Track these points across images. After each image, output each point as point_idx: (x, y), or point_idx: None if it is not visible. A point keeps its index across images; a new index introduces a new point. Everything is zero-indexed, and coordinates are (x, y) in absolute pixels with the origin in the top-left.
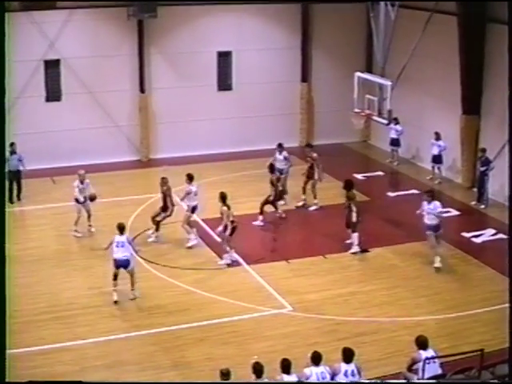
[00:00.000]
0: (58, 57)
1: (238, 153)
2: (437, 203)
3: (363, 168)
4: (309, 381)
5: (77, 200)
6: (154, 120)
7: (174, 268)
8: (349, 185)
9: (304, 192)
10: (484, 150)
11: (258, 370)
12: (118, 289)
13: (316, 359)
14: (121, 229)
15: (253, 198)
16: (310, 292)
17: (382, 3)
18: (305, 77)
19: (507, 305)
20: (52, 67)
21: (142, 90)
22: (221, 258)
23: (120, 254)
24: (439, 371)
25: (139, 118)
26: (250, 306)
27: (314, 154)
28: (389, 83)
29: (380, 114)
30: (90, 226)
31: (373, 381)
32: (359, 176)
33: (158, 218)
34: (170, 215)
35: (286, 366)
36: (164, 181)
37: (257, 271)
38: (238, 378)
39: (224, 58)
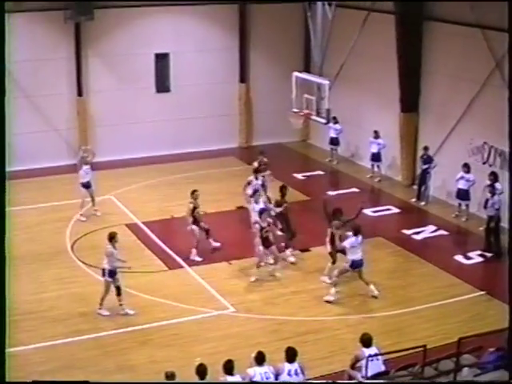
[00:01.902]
0: None
1: (178, 154)
2: (351, 239)
3: (303, 167)
4: (253, 381)
5: (82, 184)
6: (92, 123)
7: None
8: (337, 212)
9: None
10: (426, 148)
11: (201, 371)
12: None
13: (259, 359)
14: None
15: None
16: (252, 292)
17: (319, 3)
18: (243, 77)
19: (449, 300)
20: None
21: (80, 94)
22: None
23: None
24: (382, 368)
25: (77, 122)
26: (192, 308)
27: (265, 159)
28: (327, 82)
29: (318, 114)
30: (95, 210)
31: (322, 381)
32: (299, 175)
33: (206, 226)
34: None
35: (228, 368)
36: (195, 195)
37: (198, 273)
38: (182, 380)
39: (161, 59)
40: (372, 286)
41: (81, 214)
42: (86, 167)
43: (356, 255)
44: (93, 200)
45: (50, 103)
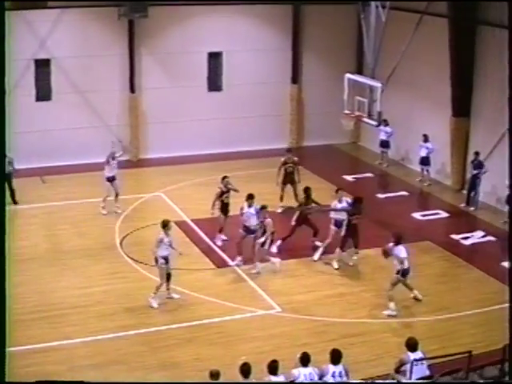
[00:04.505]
0: (49, 56)
1: (228, 153)
2: (400, 248)
3: (353, 169)
4: (297, 382)
5: (107, 178)
6: (143, 120)
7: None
8: (359, 200)
9: (282, 199)
10: (477, 153)
11: (245, 370)
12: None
13: (304, 360)
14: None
15: (242, 199)
16: (299, 293)
17: (373, 5)
18: (295, 78)
19: (496, 306)
20: (42, 66)
21: (132, 90)
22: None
23: None
24: (427, 373)
25: (129, 118)
26: (239, 307)
27: (296, 158)
28: (379, 85)
29: (370, 116)
30: (117, 206)
31: (362, 381)
32: (349, 177)
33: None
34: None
35: (273, 367)
36: (225, 182)
37: (246, 272)
38: (226, 379)
39: (214, 58)
40: (416, 291)
41: (103, 207)
42: (113, 162)
43: (407, 263)
44: (116, 195)
45: (102, 99)
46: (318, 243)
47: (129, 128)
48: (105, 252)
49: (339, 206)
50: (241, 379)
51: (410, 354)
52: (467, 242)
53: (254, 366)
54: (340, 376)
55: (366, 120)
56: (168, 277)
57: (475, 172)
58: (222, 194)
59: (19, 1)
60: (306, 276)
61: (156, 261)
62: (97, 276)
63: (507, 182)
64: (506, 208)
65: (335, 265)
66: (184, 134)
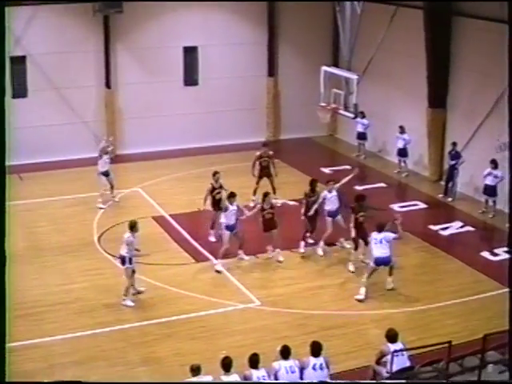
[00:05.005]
0: (24, 53)
1: (205, 148)
2: (388, 234)
3: (330, 162)
4: (278, 374)
5: (102, 173)
6: (120, 116)
7: (142, 264)
8: (361, 197)
9: (255, 193)
10: (455, 144)
11: (226, 364)
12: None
13: (285, 353)
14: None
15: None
16: (278, 286)
17: None
18: (271, 71)
19: (475, 297)
20: (18, 64)
21: (108, 86)
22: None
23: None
24: (408, 364)
25: (105, 114)
26: (218, 301)
27: (271, 152)
28: (355, 77)
29: (346, 108)
30: (113, 196)
31: (346, 381)
32: (326, 170)
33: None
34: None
35: (254, 361)
36: (216, 177)
37: (225, 266)
38: (207, 373)
39: (190, 53)
40: (389, 279)
41: (100, 201)
42: (106, 157)
43: (379, 252)
44: (112, 187)
45: (79, 95)
46: (310, 240)
47: (105, 124)
48: (83, 248)
49: (329, 195)
50: (222, 373)
51: (390, 345)
52: (446, 233)
53: (234, 360)
54: (321, 368)
55: (342, 112)
56: (133, 273)
57: (453, 163)
58: (213, 189)
59: None
60: (285, 269)
61: (123, 262)
62: (75, 273)
63: (485, 173)
64: (484, 198)
65: (351, 268)
66: (161, 129)
